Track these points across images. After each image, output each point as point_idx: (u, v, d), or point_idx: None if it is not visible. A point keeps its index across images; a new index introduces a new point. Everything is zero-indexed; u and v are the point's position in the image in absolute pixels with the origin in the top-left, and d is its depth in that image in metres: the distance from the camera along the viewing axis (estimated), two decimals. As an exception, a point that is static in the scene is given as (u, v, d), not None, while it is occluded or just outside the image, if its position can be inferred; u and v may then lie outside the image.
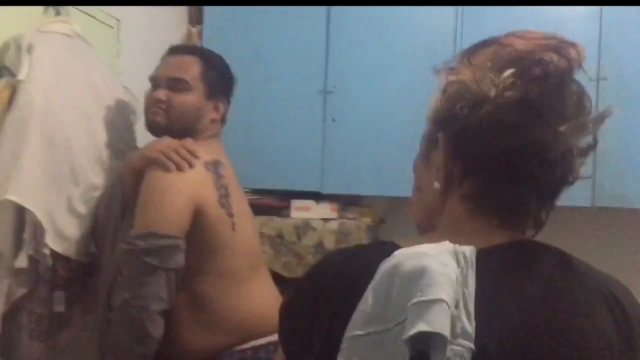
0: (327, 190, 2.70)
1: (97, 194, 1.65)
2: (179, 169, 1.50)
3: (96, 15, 2.07)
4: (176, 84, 1.63)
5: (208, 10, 2.81)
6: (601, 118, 0.73)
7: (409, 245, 0.69)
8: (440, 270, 0.63)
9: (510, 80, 0.71)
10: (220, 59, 1.74)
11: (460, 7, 2.60)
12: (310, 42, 2.70)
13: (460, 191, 0.76)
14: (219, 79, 1.70)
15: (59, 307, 1.53)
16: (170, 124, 1.62)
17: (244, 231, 1.63)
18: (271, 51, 2.73)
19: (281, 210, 2.68)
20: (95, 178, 1.65)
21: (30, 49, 1.51)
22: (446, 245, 0.67)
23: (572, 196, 0.78)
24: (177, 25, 2.79)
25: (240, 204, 1.66)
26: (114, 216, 1.61)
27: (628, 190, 2.47)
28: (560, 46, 0.73)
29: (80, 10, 1.95)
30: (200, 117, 1.66)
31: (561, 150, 0.72)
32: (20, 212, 1.45)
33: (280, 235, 2.55)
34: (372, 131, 2.66)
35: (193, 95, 1.64)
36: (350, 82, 2.69)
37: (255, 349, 1.57)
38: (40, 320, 1.51)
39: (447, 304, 0.61)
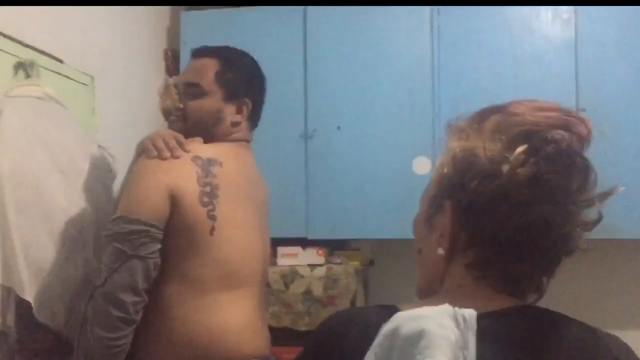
0: (313, 235, 2.67)
1: (82, 252, 1.60)
2: (161, 156, 1.45)
3: (69, 74, 2.05)
4: (191, 90, 1.60)
5: (184, 62, 2.81)
6: (606, 195, 0.75)
7: (409, 309, 0.69)
8: (438, 333, 0.63)
9: (523, 157, 0.71)
10: (243, 57, 1.68)
11: (436, 47, 2.62)
12: (288, 86, 2.70)
13: (464, 259, 0.76)
14: (240, 80, 1.63)
15: (34, 384, 1.46)
16: (188, 130, 1.57)
17: (227, 241, 1.51)
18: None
19: (268, 258, 2.63)
20: (77, 236, 1.60)
21: (-3, 116, 1.48)
22: (445, 307, 0.67)
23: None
24: (154, 77, 2.78)
25: (235, 214, 1.55)
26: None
27: (614, 220, 2.45)
28: (570, 123, 0.74)
29: (52, 71, 1.93)
30: (219, 120, 1.60)
31: (568, 227, 0.73)
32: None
33: (266, 285, 2.50)
34: (355, 174, 2.65)
35: (209, 100, 1.59)
36: (331, 125, 2.69)
37: None
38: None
39: None
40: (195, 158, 1.49)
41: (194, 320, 1.47)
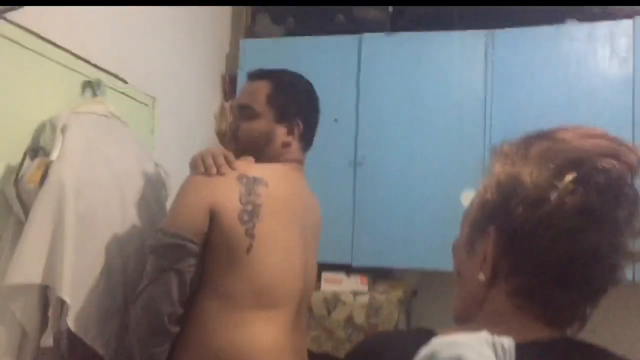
0: (358, 262, 2.67)
1: (123, 271, 1.65)
2: (207, 173, 1.49)
3: (132, 94, 2.15)
4: (244, 112, 1.65)
5: (240, 86, 2.90)
6: None
7: (447, 334, 0.68)
8: None
9: (572, 185, 0.70)
10: (295, 79, 1.71)
11: (489, 79, 2.63)
12: (340, 114, 2.75)
13: (507, 286, 0.75)
14: (291, 101, 1.66)
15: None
16: (240, 150, 1.62)
17: (264, 260, 1.51)
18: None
19: (311, 283, 2.65)
20: (122, 253, 1.65)
21: (64, 130, 1.56)
22: (484, 335, 0.66)
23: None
24: (212, 101, 2.88)
25: (277, 234, 1.54)
26: None
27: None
28: (620, 152, 0.72)
29: (117, 90, 2.03)
30: (270, 141, 1.63)
31: (615, 257, 0.72)
32: (46, 290, 1.46)
33: (309, 309, 2.51)
34: (403, 203, 2.65)
35: (261, 121, 1.63)
36: (380, 154, 2.71)
37: None
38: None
39: None
40: (241, 177, 1.52)
41: (224, 336, 1.48)
